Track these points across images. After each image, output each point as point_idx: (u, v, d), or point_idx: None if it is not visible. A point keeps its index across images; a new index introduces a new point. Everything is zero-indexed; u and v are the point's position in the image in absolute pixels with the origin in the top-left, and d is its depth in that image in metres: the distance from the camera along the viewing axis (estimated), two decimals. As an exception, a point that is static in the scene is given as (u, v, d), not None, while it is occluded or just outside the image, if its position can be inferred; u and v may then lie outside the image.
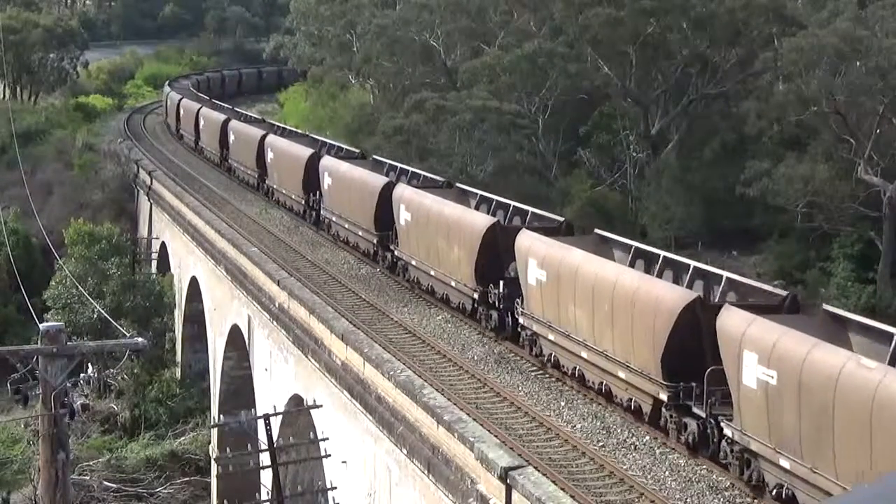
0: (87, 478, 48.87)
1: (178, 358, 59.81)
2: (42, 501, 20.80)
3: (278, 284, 40.31)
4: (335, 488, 31.15)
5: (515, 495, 23.21)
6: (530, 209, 35.69)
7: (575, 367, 29.07)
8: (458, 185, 41.57)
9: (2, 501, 45.57)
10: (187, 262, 58.38)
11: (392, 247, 41.18)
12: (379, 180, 43.20)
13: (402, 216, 39.43)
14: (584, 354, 28.44)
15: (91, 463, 50.38)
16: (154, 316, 58.98)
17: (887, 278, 48.80)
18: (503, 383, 30.20)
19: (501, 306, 33.23)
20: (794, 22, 57.88)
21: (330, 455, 30.46)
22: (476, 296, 34.13)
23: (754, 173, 51.45)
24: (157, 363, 58.41)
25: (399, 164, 46.88)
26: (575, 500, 22.72)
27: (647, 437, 26.40)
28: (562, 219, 34.81)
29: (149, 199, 70.22)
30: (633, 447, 25.93)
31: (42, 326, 20.88)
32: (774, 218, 53.33)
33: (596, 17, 58.88)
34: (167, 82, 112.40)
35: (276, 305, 40.24)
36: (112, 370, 46.36)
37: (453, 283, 35.58)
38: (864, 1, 57.37)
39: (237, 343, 47.59)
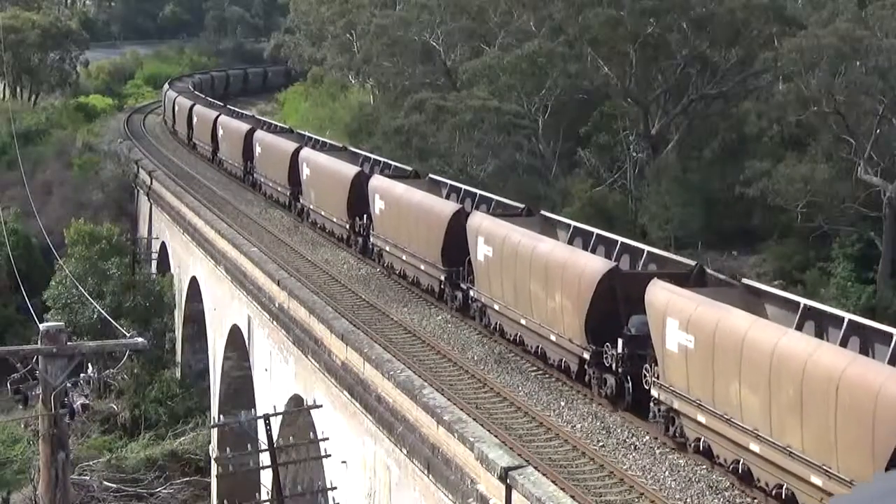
0: (87, 478, 48.90)
1: (178, 358, 59.85)
2: (42, 501, 20.80)
3: (278, 284, 40.31)
4: (335, 488, 31.17)
5: (515, 495, 23.21)
6: (645, 247, 30.07)
7: (737, 461, 23.22)
8: (543, 213, 35.59)
9: (2, 501, 45.56)
10: (187, 262, 58.38)
11: (465, 285, 35.38)
12: (447, 207, 37.32)
13: (481, 251, 33.58)
14: (753, 447, 22.47)
15: (91, 463, 50.42)
16: (154, 316, 59.04)
17: (887, 278, 48.82)
18: (503, 383, 30.19)
19: (620, 370, 27.27)
20: (794, 22, 57.96)
21: (330, 455, 30.48)
22: (587, 356, 28.13)
23: (754, 173, 51.48)
24: (157, 363, 58.47)
25: (462, 186, 41.06)
26: (575, 500, 22.71)
27: (647, 437, 26.39)
28: (692, 263, 28.31)
29: (149, 200, 70.22)
30: (633, 447, 25.92)
31: (42, 326, 20.88)
32: (774, 218, 53.36)
33: (596, 17, 58.92)
34: (167, 83, 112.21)
35: (276, 305, 40.25)
36: (112, 370, 46.28)
37: (553, 338, 29.70)
38: (864, 1, 57.41)
39: (237, 343, 47.60)
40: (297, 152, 53.33)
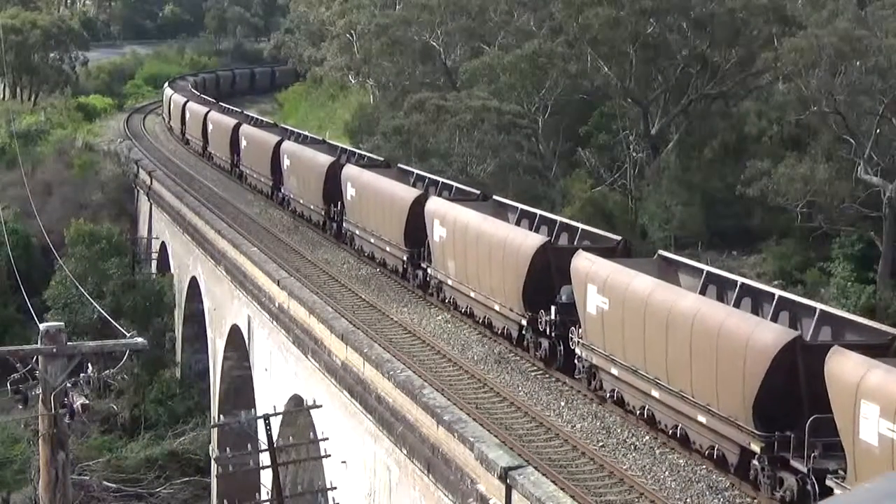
0: (87, 478, 48.89)
1: (178, 358, 59.87)
2: (42, 501, 20.80)
3: (278, 284, 40.30)
4: (335, 488, 31.17)
5: (515, 495, 23.21)
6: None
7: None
8: None
9: (2, 501, 45.56)
10: (187, 262, 58.38)
11: (805, 473, 21.91)
12: (768, 334, 22.87)
13: (881, 430, 19.72)
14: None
15: (91, 463, 50.41)
16: (154, 316, 59.07)
17: (887, 278, 48.77)
18: (503, 383, 30.20)
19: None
20: (794, 22, 57.90)
21: (330, 455, 30.48)
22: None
23: (754, 173, 51.42)
24: (157, 363, 58.49)
25: (718, 272, 27.91)
26: (575, 500, 22.71)
27: (647, 437, 26.39)
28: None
29: (149, 200, 70.25)
30: (633, 447, 25.93)
31: (42, 326, 20.88)
32: (774, 218, 53.32)
33: (596, 17, 58.84)
34: (167, 83, 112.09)
35: (276, 305, 40.24)
36: (112, 370, 46.30)
37: None
38: (865, 1, 57.39)
39: (237, 343, 47.61)
40: (419, 202, 39.26)
